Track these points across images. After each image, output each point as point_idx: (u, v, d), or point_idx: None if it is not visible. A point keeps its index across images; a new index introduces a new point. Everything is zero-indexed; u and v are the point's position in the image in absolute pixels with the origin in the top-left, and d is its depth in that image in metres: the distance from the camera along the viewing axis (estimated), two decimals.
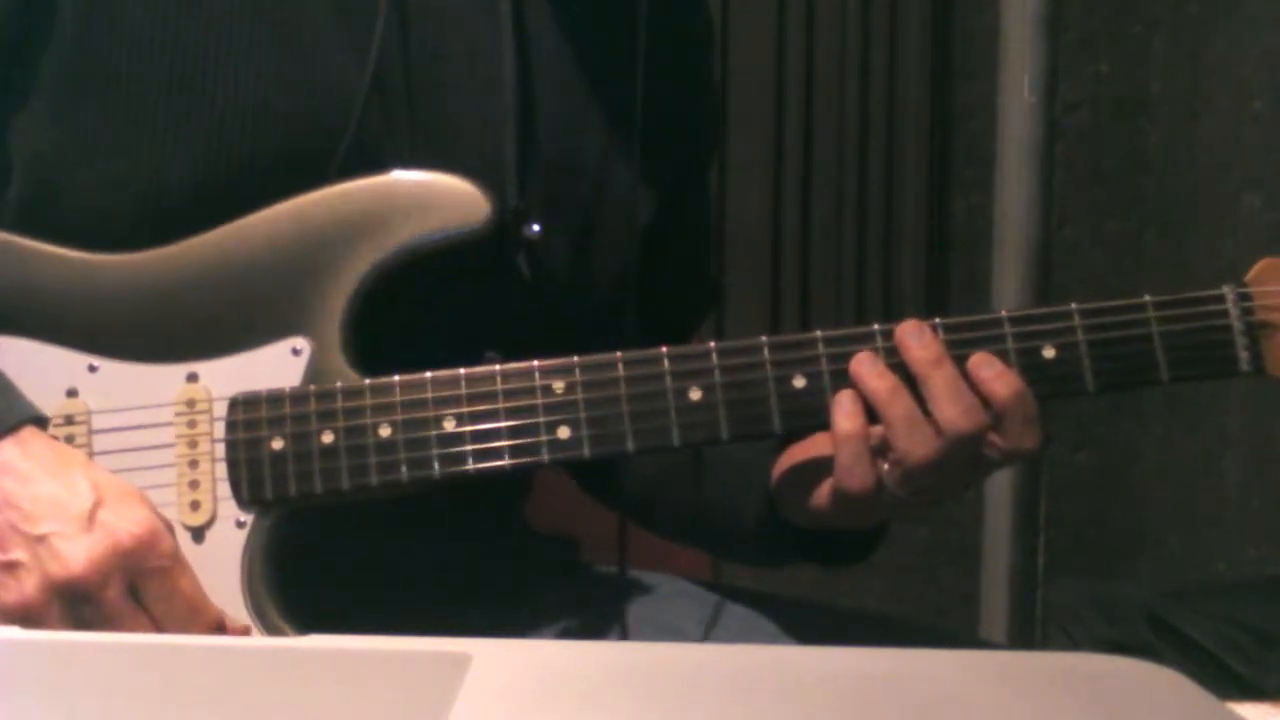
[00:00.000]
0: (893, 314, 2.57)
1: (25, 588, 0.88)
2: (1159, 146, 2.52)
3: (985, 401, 0.93)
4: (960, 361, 0.94)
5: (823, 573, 1.12)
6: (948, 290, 2.53)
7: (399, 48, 1.01)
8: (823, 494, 0.99)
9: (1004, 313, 0.95)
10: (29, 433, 0.93)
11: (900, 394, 0.93)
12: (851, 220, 2.49)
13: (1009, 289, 2.37)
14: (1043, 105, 2.34)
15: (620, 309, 1.09)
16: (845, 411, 0.94)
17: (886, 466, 0.95)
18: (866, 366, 0.94)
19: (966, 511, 2.45)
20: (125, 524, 0.89)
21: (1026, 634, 2.39)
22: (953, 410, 0.92)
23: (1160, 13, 2.50)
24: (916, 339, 0.94)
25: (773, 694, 0.65)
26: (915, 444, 0.93)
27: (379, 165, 0.99)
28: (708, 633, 1.10)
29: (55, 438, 0.96)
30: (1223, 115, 2.35)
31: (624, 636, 1.10)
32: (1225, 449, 2.32)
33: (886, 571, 2.52)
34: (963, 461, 0.94)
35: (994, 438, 0.94)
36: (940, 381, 0.93)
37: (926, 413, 0.93)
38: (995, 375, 0.93)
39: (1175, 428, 2.49)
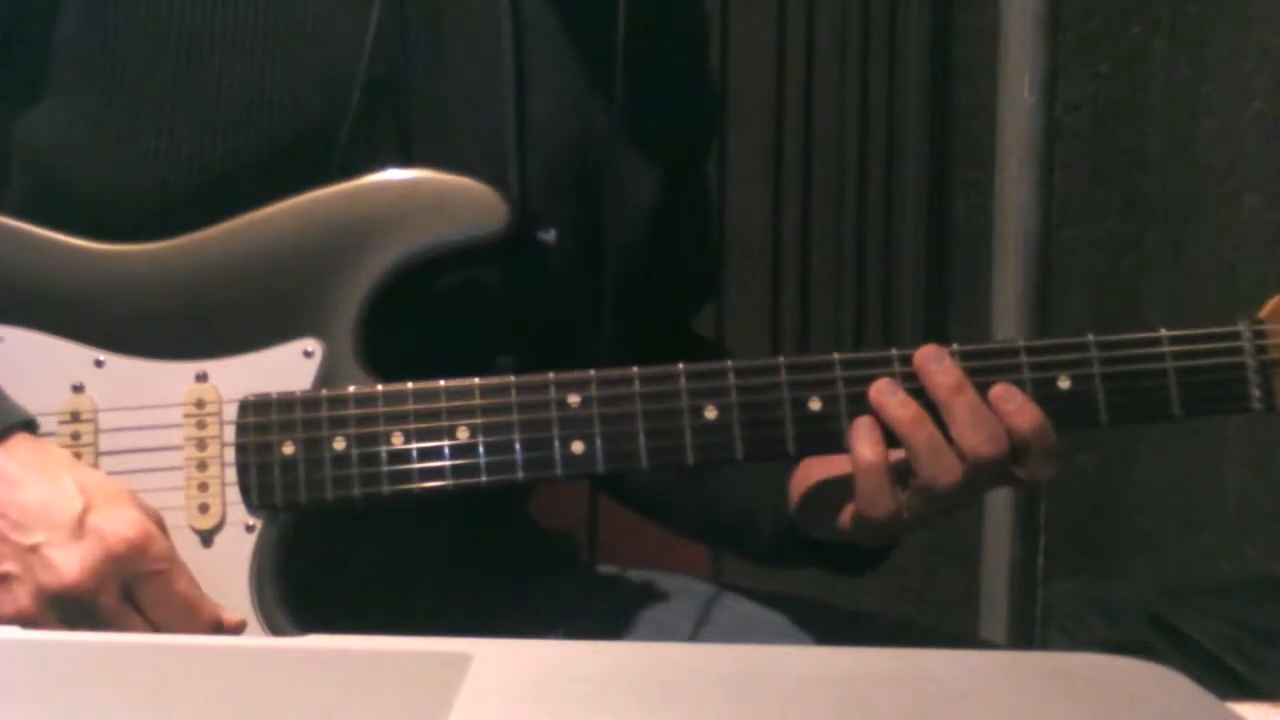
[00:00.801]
0: (892, 314, 2.58)
1: (19, 600, 0.88)
2: (1159, 146, 2.52)
3: (1006, 433, 0.94)
4: (980, 389, 0.94)
5: (830, 576, 1.12)
6: (948, 291, 2.53)
7: (401, 33, 1.01)
8: (845, 517, 0.99)
9: (1021, 342, 0.96)
10: (16, 438, 0.92)
11: (924, 422, 0.93)
12: (851, 220, 2.49)
13: (1009, 289, 2.37)
14: (1043, 105, 2.34)
15: (627, 299, 1.09)
16: (866, 440, 0.94)
17: (907, 493, 0.95)
18: (888, 395, 0.94)
19: (966, 511, 2.45)
20: (116, 528, 0.89)
21: (1026, 634, 2.39)
22: (976, 438, 0.93)
23: (1160, 13, 2.50)
24: (937, 364, 0.94)
25: (772, 694, 0.65)
26: (939, 472, 0.93)
27: (380, 152, 0.99)
28: (706, 631, 1.10)
29: (60, 435, 0.95)
30: (1223, 115, 2.35)
31: (623, 636, 1.09)
32: (1225, 449, 2.32)
33: (886, 571, 2.52)
34: (982, 484, 0.95)
35: (1012, 468, 0.95)
36: (962, 408, 0.93)
37: (947, 439, 0.93)
38: (1018, 408, 0.94)
39: (1174, 429, 2.48)
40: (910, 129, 2.49)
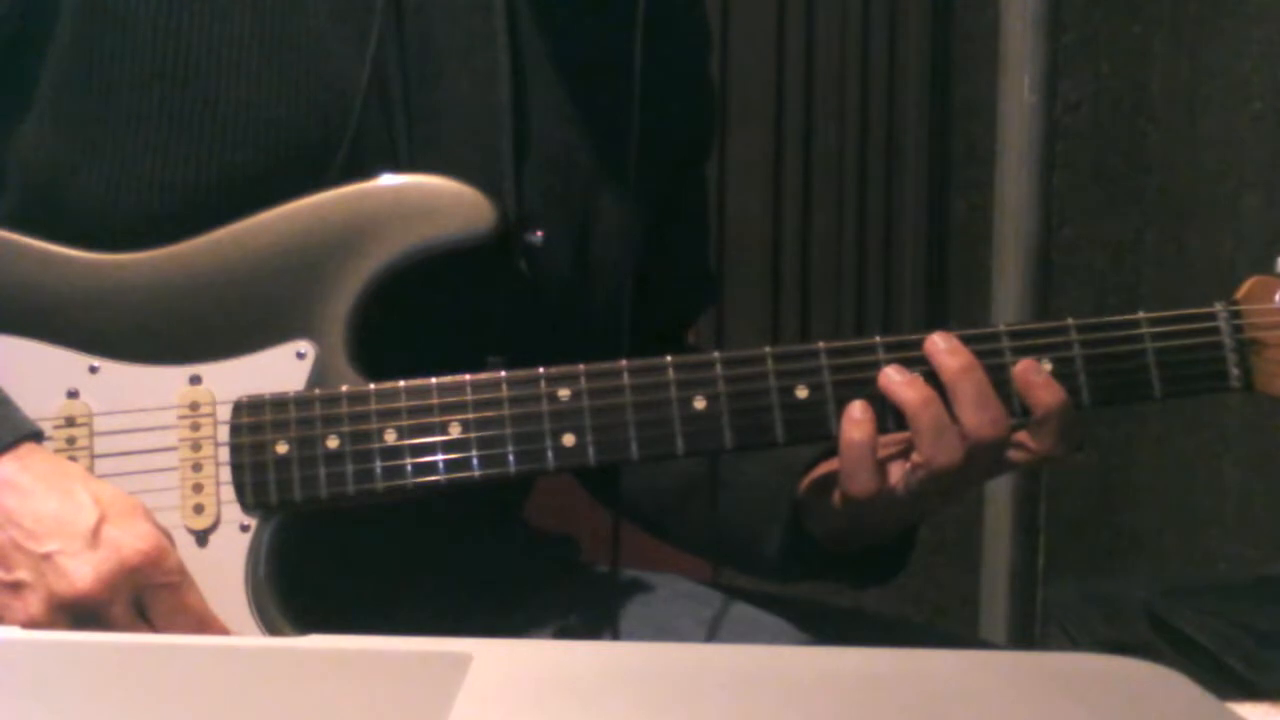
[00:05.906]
0: (892, 314, 2.58)
1: (30, 607, 0.88)
2: (1159, 146, 2.52)
3: (1029, 407, 0.96)
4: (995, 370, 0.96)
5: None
6: (948, 290, 2.53)
7: (395, 45, 1.01)
8: (837, 496, 1.00)
9: (1002, 326, 0.97)
10: (27, 448, 0.92)
11: (932, 403, 0.95)
12: (851, 220, 2.49)
13: (1009, 289, 2.37)
14: (1043, 105, 2.34)
15: (619, 307, 1.09)
16: (853, 421, 0.95)
17: (908, 467, 0.96)
18: (896, 379, 0.95)
19: (966, 511, 2.45)
20: (131, 540, 0.89)
21: (1026, 634, 2.39)
22: (979, 418, 0.94)
23: (1160, 13, 2.50)
24: (947, 345, 0.96)
25: (773, 694, 0.65)
26: (940, 450, 0.95)
27: (378, 163, 0.99)
28: (705, 632, 1.10)
29: (56, 440, 0.96)
30: (1223, 115, 2.34)
31: (623, 637, 1.10)
32: (1224, 449, 2.31)
33: None
34: (981, 467, 0.97)
35: (1028, 441, 0.97)
36: (969, 389, 0.95)
37: (952, 419, 0.95)
38: (1043, 383, 0.96)
39: (1174, 428, 2.49)
40: (910, 129, 2.49)
